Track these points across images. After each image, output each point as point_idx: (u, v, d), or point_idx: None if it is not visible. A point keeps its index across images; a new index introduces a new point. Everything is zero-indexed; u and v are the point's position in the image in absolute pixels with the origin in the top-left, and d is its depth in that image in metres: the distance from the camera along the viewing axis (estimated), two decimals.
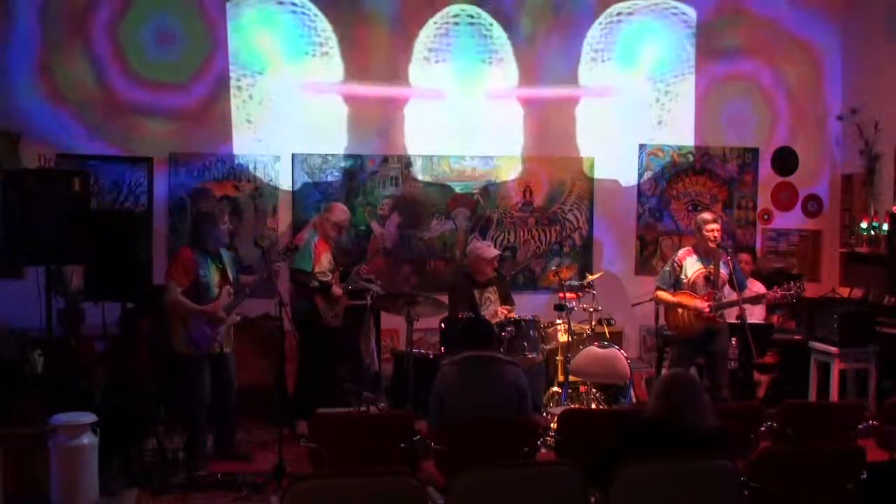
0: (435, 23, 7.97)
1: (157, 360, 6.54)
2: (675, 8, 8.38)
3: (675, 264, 6.46)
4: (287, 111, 7.76)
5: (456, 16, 8.00)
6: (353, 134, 7.88)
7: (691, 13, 8.39)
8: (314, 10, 7.74)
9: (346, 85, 7.85)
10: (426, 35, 7.96)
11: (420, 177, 7.97)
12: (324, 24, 7.77)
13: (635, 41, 8.33)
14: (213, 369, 6.00)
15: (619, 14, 8.28)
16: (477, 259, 7.01)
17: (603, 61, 8.28)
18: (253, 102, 7.70)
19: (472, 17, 8.01)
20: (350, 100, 7.87)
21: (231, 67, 7.64)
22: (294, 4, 7.72)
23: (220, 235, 6.05)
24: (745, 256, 7.72)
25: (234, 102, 7.67)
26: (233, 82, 7.65)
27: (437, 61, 7.98)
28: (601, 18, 8.25)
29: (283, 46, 7.74)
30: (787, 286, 6.30)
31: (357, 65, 7.86)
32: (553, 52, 8.18)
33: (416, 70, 7.96)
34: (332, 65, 7.82)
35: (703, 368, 6.64)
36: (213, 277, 5.97)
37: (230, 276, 6.08)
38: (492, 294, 7.02)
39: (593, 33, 8.25)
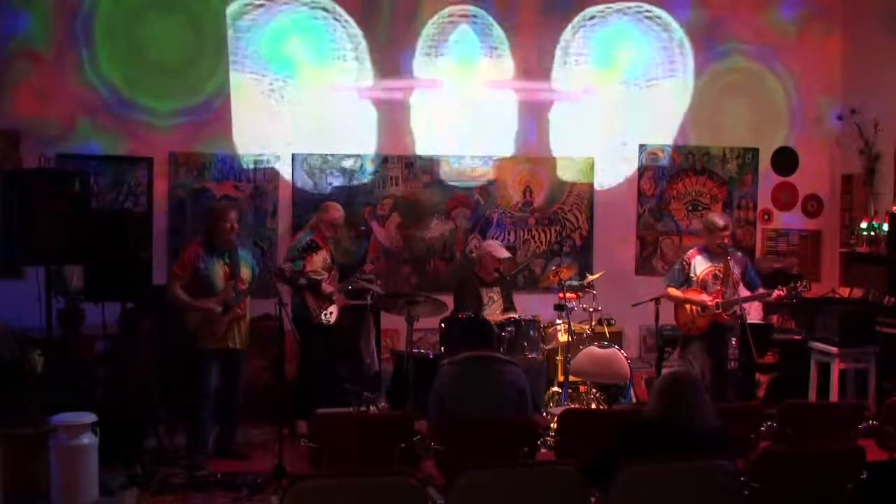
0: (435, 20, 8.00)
1: (159, 360, 6.54)
2: (673, 11, 8.41)
3: (685, 263, 6.52)
4: (287, 111, 7.76)
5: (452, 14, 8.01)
6: (351, 134, 7.89)
7: (691, 13, 8.42)
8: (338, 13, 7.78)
9: (346, 82, 7.87)
10: (427, 32, 7.98)
11: (421, 177, 7.99)
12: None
13: (633, 42, 8.34)
14: (223, 366, 6.06)
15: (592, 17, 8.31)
16: (487, 256, 7.04)
17: (605, 62, 8.30)
18: (253, 102, 7.70)
19: (474, 15, 8.02)
20: (349, 98, 7.89)
21: (231, 68, 7.64)
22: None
23: (223, 233, 6.08)
24: None
25: (235, 102, 7.66)
26: (233, 82, 7.64)
27: (438, 56, 8.00)
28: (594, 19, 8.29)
29: (282, 47, 7.75)
30: (793, 285, 6.32)
31: (353, 61, 7.88)
32: (554, 51, 8.18)
33: (416, 69, 7.99)
34: (332, 65, 7.84)
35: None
36: (217, 273, 6.06)
37: (244, 273, 6.16)
38: (495, 294, 7.05)
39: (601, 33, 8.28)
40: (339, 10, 7.79)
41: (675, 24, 8.39)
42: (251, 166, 7.68)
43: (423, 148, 8.01)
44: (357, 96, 7.88)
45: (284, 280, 6.49)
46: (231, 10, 7.60)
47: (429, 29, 7.97)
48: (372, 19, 7.87)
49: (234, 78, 7.64)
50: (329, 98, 7.85)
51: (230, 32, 7.62)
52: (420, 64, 7.98)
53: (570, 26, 8.20)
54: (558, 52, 8.20)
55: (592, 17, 8.24)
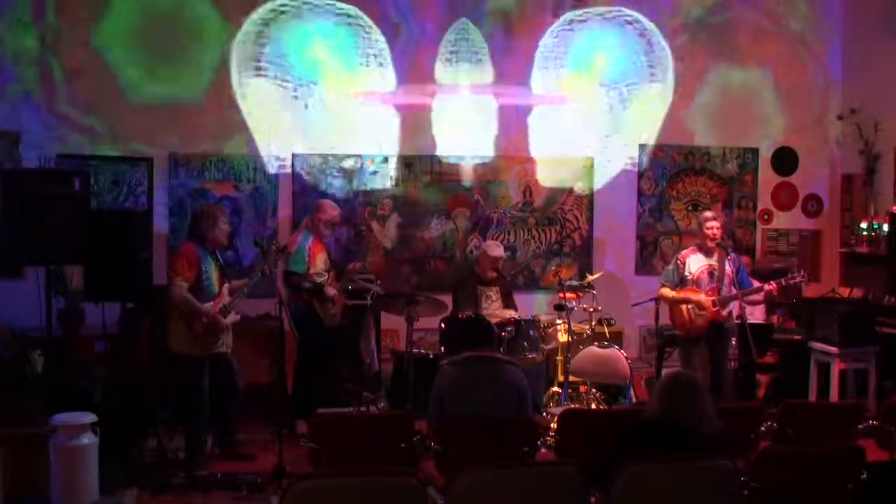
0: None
1: (158, 360, 6.54)
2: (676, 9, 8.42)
3: (679, 261, 6.52)
4: (286, 111, 7.77)
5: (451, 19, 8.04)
6: (353, 134, 7.89)
7: (696, 12, 8.43)
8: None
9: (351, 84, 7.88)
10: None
11: (421, 177, 7.99)
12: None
13: (634, 42, 8.34)
14: (214, 369, 6.01)
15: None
16: (483, 255, 7.12)
17: (606, 63, 8.30)
18: (253, 102, 7.70)
19: (469, 19, 8.03)
20: (349, 98, 7.89)
21: (232, 67, 7.64)
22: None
23: (220, 235, 6.06)
24: (744, 259, 7.72)
25: (235, 102, 7.66)
26: (233, 82, 7.64)
27: (437, 59, 8.01)
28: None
29: (282, 47, 7.75)
30: (791, 276, 6.32)
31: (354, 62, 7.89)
32: (557, 50, 8.18)
33: (416, 70, 7.99)
34: (334, 65, 7.84)
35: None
36: (214, 274, 5.99)
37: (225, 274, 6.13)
38: (493, 293, 7.07)
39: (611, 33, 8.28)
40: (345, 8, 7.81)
41: (676, 25, 8.40)
42: (250, 166, 7.68)
43: (423, 148, 8.01)
44: (358, 98, 7.88)
45: (290, 286, 6.48)
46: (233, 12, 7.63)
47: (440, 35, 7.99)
48: (385, 22, 7.87)
49: (235, 77, 7.64)
50: (331, 98, 7.84)
51: (238, 37, 7.64)
52: (419, 66, 7.97)
53: (571, 29, 8.21)
54: (559, 53, 8.20)
55: (589, 18, 8.26)
